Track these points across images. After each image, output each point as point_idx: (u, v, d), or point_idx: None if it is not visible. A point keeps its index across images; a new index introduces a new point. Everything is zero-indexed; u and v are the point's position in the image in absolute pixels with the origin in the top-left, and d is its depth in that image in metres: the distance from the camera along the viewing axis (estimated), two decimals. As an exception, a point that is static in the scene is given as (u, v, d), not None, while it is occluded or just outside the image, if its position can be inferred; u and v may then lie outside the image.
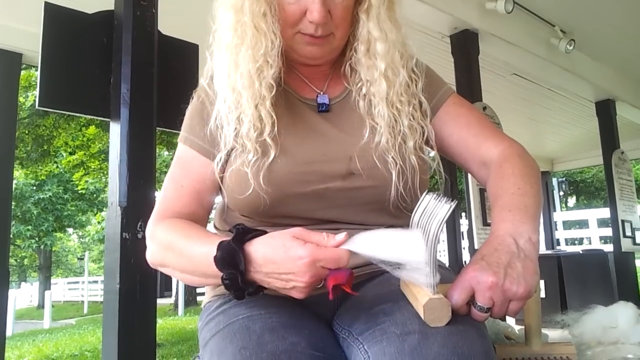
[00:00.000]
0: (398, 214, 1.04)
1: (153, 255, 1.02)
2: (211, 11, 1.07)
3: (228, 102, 1.03)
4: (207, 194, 1.07)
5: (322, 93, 1.11)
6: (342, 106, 1.10)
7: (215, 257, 0.84)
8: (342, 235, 0.83)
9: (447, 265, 1.17)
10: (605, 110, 5.74)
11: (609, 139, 5.73)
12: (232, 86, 1.02)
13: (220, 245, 0.85)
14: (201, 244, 0.91)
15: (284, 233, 0.84)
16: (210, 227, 1.11)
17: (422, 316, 0.82)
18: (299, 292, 0.83)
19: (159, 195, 1.10)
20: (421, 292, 0.84)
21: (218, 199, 1.13)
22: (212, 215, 1.18)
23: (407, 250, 0.81)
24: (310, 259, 0.79)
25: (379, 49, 1.05)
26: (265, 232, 0.87)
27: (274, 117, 1.01)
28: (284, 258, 0.81)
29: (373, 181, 1.01)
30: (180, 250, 0.95)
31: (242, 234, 0.86)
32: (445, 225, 0.77)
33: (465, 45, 3.90)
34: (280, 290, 0.85)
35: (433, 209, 0.79)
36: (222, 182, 1.06)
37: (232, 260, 0.83)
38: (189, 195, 1.06)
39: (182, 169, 1.08)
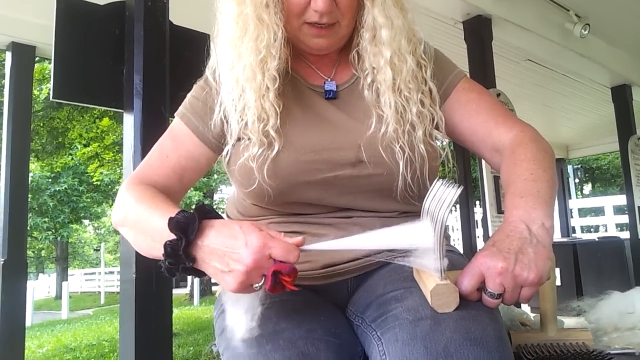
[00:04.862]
0: (407, 202, 1.04)
1: (116, 213, 1.01)
2: (216, 2, 1.06)
3: (232, 95, 1.02)
4: (190, 173, 1.07)
5: (329, 80, 1.09)
6: (350, 92, 1.09)
7: (170, 218, 0.82)
8: (299, 238, 0.82)
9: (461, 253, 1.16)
10: (621, 96, 5.66)
11: (625, 124, 5.65)
12: (236, 78, 1.02)
13: (182, 211, 0.84)
14: (162, 210, 0.89)
15: (244, 221, 0.84)
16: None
17: (430, 302, 0.83)
18: (234, 279, 0.78)
19: (143, 160, 1.09)
20: (430, 278, 0.84)
21: (230, 190, 1.13)
22: (224, 205, 1.19)
23: (414, 236, 0.81)
24: (261, 242, 0.77)
25: (385, 36, 1.03)
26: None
27: (278, 109, 1.00)
28: (235, 237, 0.79)
29: (380, 170, 1.00)
30: (140, 212, 0.93)
31: (206, 211, 0.84)
32: (455, 208, 0.77)
33: (478, 31, 3.86)
34: (215, 276, 0.81)
35: (441, 194, 0.79)
36: (230, 174, 1.07)
37: (185, 227, 0.81)
38: (172, 168, 1.06)
39: (173, 141, 1.08)
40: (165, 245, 0.81)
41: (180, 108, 1.10)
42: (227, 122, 1.04)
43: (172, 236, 0.81)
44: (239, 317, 0.87)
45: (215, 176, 13.04)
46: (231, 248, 0.79)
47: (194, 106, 1.09)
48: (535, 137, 1.03)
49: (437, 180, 0.82)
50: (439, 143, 1.08)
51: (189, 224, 0.81)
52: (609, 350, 1.05)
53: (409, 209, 1.05)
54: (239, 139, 1.03)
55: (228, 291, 0.82)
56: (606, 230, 10.50)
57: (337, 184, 1.01)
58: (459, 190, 0.78)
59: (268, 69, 1.00)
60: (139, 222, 0.94)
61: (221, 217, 0.86)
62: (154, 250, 0.88)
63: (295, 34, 1.04)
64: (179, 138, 1.08)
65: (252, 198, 1.04)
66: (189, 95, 1.11)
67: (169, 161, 1.06)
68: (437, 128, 1.08)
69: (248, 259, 0.77)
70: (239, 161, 1.01)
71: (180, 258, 0.81)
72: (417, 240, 0.81)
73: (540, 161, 0.96)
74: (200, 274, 0.84)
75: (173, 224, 0.81)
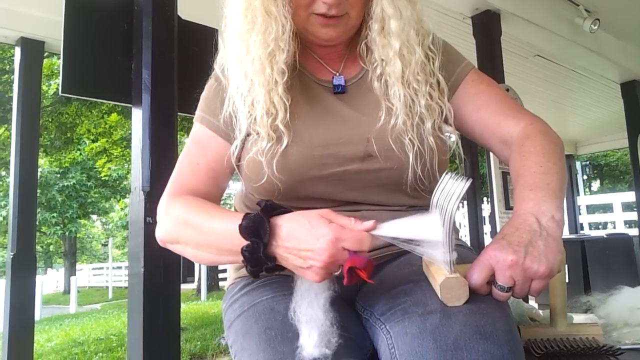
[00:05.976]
0: (417, 195, 1.03)
1: (166, 232, 1.00)
2: None
3: (241, 89, 1.02)
4: (222, 175, 1.06)
5: (338, 74, 1.09)
6: (358, 87, 1.08)
7: (240, 225, 0.83)
8: (370, 223, 0.81)
9: (469, 248, 1.16)
10: (631, 92, 5.63)
11: (635, 121, 5.61)
12: (244, 72, 1.01)
13: (247, 216, 0.84)
14: (221, 218, 0.91)
15: (312, 212, 0.83)
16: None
17: (439, 295, 0.82)
18: (315, 273, 0.80)
19: (173, 171, 1.08)
20: (439, 271, 0.84)
21: (237, 185, 1.13)
22: (231, 200, 1.18)
23: (424, 229, 0.81)
24: (332, 237, 0.78)
25: (393, 27, 1.02)
26: (291, 210, 0.86)
27: (287, 102, 1.00)
28: (307, 234, 0.80)
29: (390, 163, 1.00)
30: (197, 224, 0.94)
31: (270, 208, 0.85)
32: (463, 204, 0.77)
33: (487, 26, 3.84)
34: (296, 271, 0.83)
35: (450, 187, 0.79)
36: (239, 169, 1.06)
37: (256, 230, 0.82)
38: (205, 173, 1.05)
39: (198, 147, 1.07)
40: (243, 252, 0.83)
41: (197, 112, 1.09)
42: (235, 117, 1.03)
43: (245, 242, 0.83)
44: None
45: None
46: (304, 245, 0.79)
47: (209, 106, 1.08)
48: (545, 129, 1.02)
49: (446, 173, 0.82)
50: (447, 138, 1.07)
51: (260, 227, 0.82)
52: (620, 346, 1.05)
53: (417, 202, 1.04)
54: (248, 135, 1.03)
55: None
56: (614, 227, 10.44)
57: (346, 179, 1.01)
58: (468, 183, 0.78)
59: (277, 62, 0.99)
60: (198, 234, 0.94)
61: (286, 210, 0.86)
62: (223, 258, 0.92)
63: (303, 24, 1.03)
64: (203, 142, 1.07)
65: (261, 193, 1.03)
66: (201, 96, 1.11)
67: (200, 168, 1.05)
68: (446, 121, 1.07)
69: (323, 254, 0.78)
70: (248, 156, 1.01)
71: (261, 260, 0.82)
72: (427, 234, 0.80)
73: (549, 154, 0.95)
74: (284, 268, 0.85)
75: (244, 230, 0.83)
